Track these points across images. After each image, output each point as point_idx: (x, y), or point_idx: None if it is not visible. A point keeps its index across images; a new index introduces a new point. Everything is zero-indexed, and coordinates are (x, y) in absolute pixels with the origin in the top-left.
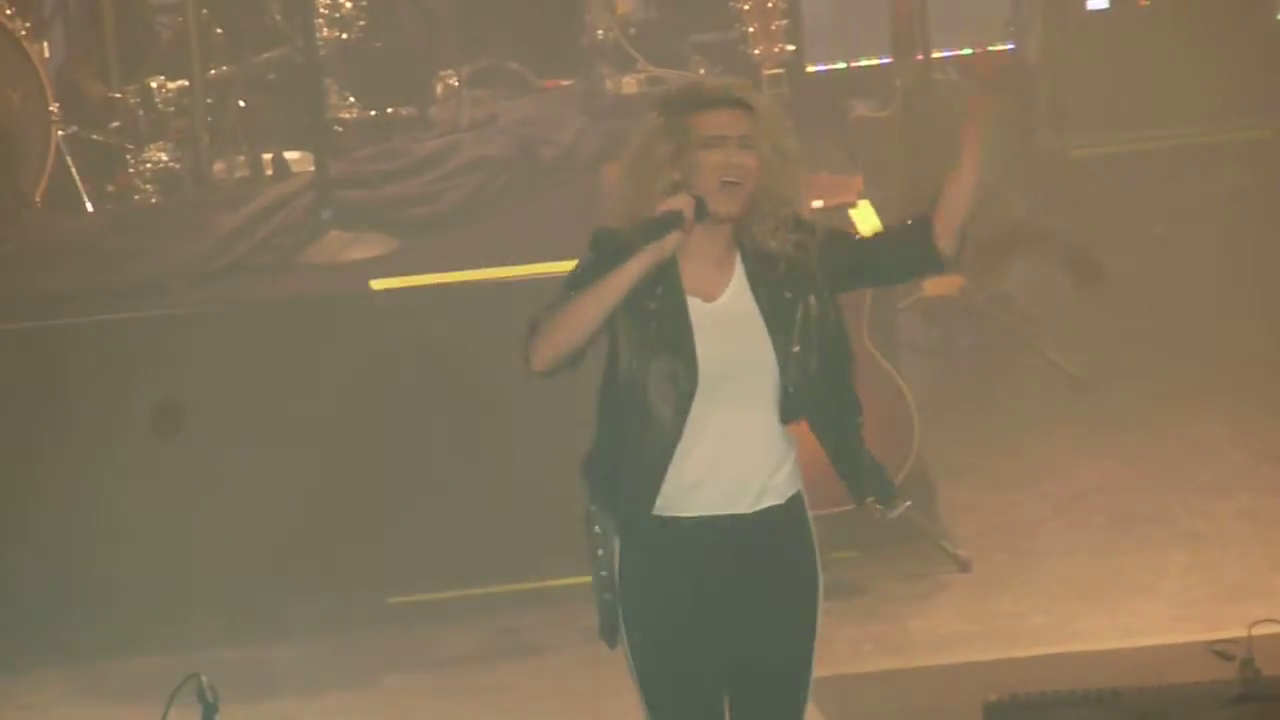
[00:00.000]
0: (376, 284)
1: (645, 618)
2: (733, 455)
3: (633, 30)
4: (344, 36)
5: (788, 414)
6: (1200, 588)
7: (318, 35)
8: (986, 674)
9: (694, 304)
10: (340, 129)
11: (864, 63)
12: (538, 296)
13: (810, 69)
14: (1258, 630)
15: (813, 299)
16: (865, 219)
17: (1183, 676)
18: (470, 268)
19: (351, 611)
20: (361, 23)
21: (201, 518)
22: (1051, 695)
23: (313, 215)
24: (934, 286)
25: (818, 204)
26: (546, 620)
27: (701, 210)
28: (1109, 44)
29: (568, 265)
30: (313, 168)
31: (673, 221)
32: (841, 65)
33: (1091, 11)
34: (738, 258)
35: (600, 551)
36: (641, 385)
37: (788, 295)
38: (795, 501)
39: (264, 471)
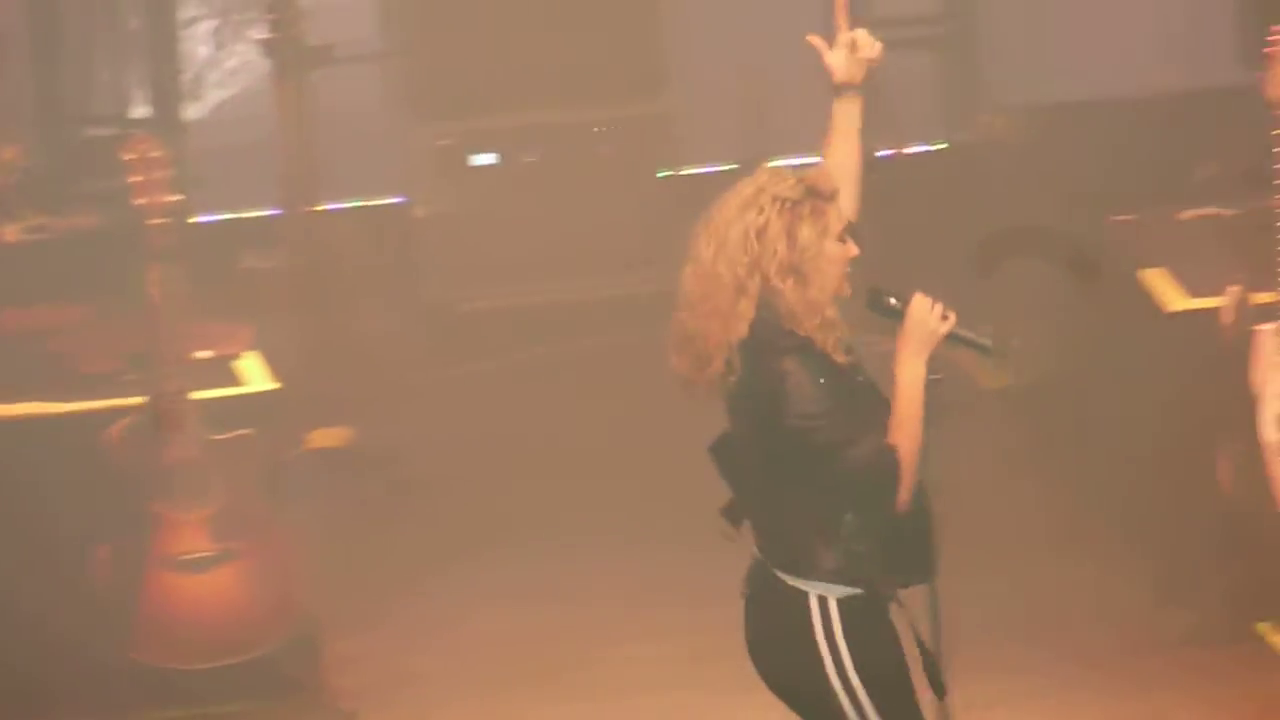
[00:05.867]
0: None
1: None
2: None
3: (16, 177)
4: None
5: None
6: None
7: None
8: None
9: None
10: None
11: (252, 214)
12: None
13: (195, 219)
14: None
15: None
16: (252, 370)
17: None
18: None
19: None
20: None
21: None
22: None
23: None
24: (321, 439)
25: (206, 354)
26: None
27: None
28: (497, 198)
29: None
30: None
31: None
32: (229, 215)
33: (479, 166)
34: None
35: None
36: None
37: None
38: None
39: None
